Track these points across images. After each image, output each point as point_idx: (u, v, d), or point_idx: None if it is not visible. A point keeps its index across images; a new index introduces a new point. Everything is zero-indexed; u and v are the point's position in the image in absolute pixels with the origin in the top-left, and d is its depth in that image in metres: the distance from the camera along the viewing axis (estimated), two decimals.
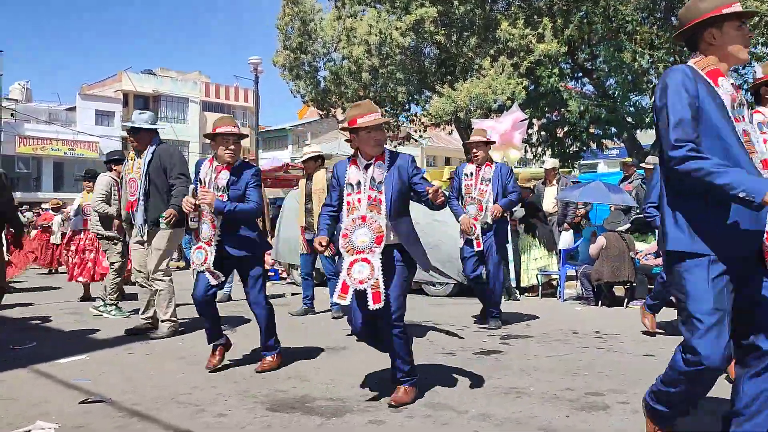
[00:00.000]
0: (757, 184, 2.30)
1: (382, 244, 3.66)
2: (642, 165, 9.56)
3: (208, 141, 4.75)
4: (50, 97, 63.07)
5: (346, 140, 4.01)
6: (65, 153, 37.71)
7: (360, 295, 3.67)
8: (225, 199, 4.47)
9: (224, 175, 4.53)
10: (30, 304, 8.13)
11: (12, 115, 37.38)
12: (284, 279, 11.28)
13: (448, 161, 46.07)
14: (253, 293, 4.62)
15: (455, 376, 4.42)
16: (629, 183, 9.74)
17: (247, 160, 4.76)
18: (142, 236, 5.87)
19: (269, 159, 25.10)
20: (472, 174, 6.33)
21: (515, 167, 13.46)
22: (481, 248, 6.16)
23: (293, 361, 4.90)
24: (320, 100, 19.41)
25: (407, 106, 19.03)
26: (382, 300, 3.60)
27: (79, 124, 38.58)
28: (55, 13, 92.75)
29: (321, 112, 20.57)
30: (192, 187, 4.64)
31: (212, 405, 3.76)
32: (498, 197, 6.25)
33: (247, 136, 4.94)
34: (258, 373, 4.51)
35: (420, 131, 20.32)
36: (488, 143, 6.46)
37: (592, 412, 3.60)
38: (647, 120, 16.24)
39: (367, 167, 3.81)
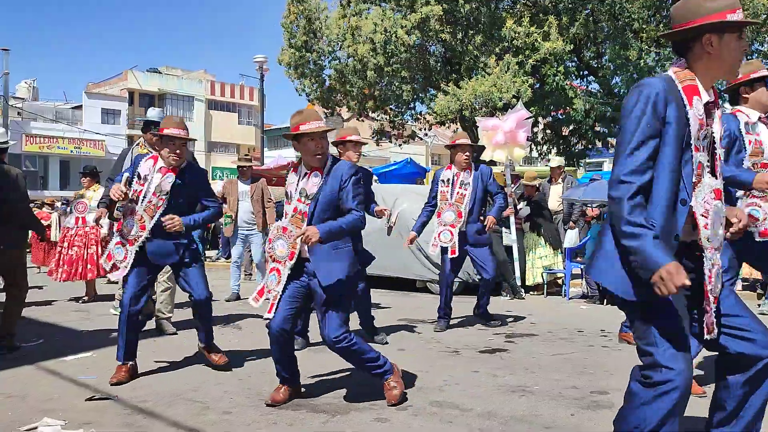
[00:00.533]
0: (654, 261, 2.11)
1: (294, 260, 3.64)
2: None
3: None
4: (56, 96, 63.37)
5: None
6: (72, 151, 37.81)
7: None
8: (165, 202, 4.31)
9: (170, 178, 4.35)
10: (50, 303, 8.16)
11: (18, 113, 37.52)
12: None
13: None
14: (195, 287, 4.42)
15: (460, 374, 4.42)
16: None
17: (192, 161, 4.63)
18: None
19: (275, 157, 25.12)
20: (449, 180, 6.14)
21: (520, 165, 13.48)
22: (456, 255, 6.03)
23: (299, 359, 4.91)
24: (325, 98, 19.42)
25: (412, 105, 19.03)
26: (273, 312, 3.62)
27: (86, 122, 38.68)
28: (61, 11, 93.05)
29: (326, 111, 20.58)
30: (126, 175, 4.44)
31: (218, 402, 3.77)
32: (477, 200, 6.10)
33: (195, 140, 4.84)
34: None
35: (425, 129, 20.32)
36: (474, 146, 6.36)
37: (597, 410, 3.59)
38: None
39: (305, 176, 3.76)
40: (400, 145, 21.04)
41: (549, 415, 3.50)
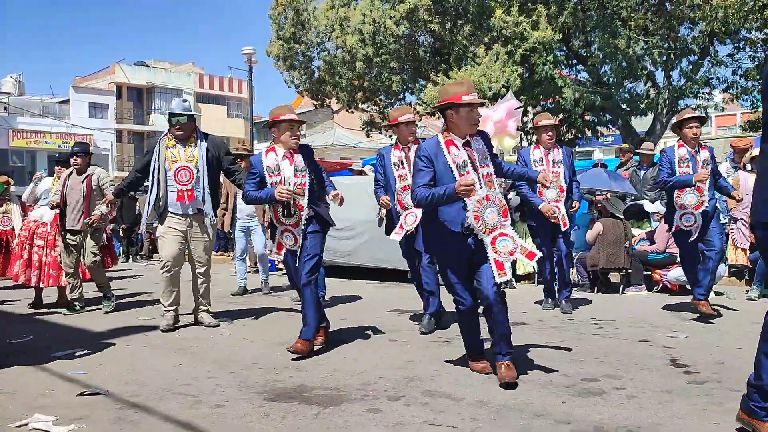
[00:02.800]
0: None
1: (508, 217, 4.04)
2: (638, 151, 9.58)
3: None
4: (43, 90, 62.80)
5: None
6: (59, 146, 37.48)
7: None
8: (307, 177, 4.82)
9: (299, 158, 4.82)
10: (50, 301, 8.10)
11: (5, 108, 37.19)
12: (281, 270, 11.28)
13: None
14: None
15: (451, 363, 4.43)
16: (625, 170, 9.75)
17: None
18: (208, 226, 5.90)
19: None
20: (542, 159, 6.34)
21: (510, 155, 13.48)
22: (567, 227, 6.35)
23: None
24: (315, 90, 19.36)
25: (402, 95, 19.01)
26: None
27: (73, 116, 38.39)
28: (46, 4, 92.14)
29: (315, 102, 20.52)
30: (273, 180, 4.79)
31: (210, 396, 3.77)
32: (570, 177, 6.43)
33: (305, 122, 5.23)
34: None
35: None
36: (558, 126, 6.58)
37: (588, 397, 3.62)
38: (642, 106, 16.28)
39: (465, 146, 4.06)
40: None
41: (540, 403, 3.52)
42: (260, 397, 3.73)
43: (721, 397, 3.58)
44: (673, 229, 5.94)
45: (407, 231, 5.26)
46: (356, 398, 3.66)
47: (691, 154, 5.82)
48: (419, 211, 5.47)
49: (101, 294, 7.00)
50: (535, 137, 6.71)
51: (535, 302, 7.04)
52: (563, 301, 6.53)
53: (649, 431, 3.08)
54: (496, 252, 3.81)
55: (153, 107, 40.68)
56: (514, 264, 8.80)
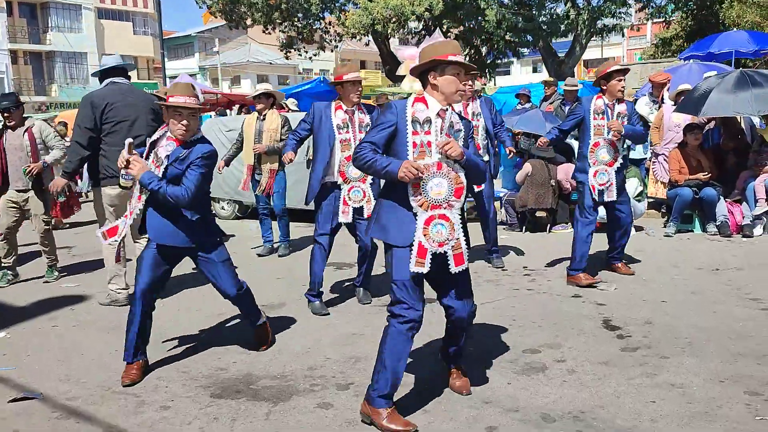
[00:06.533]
0: None
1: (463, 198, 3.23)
2: (563, 87, 9.63)
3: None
4: None
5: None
6: None
7: None
8: (161, 172, 3.78)
9: (170, 146, 3.81)
10: None
11: None
12: None
13: (363, 65, 45.15)
14: (223, 286, 4.07)
15: None
16: (550, 103, 9.83)
17: (201, 137, 3.90)
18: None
19: (180, 72, 23.72)
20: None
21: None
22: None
23: (229, 327, 4.82)
24: (228, 10, 18.36)
25: (321, 16, 18.33)
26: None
27: None
28: None
29: (230, 23, 19.50)
30: (129, 141, 3.82)
31: (153, 394, 3.65)
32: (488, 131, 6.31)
33: (203, 108, 4.15)
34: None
35: (335, 41, 19.70)
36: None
37: (531, 375, 3.72)
38: (562, 28, 16.37)
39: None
40: (310, 58, 20.38)
41: (487, 386, 3.59)
42: (206, 392, 3.65)
43: (653, 367, 3.77)
44: (589, 187, 5.56)
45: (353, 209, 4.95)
46: (305, 389, 3.63)
47: (608, 106, 5.53)
48: (368, 187, 4.92)
49: (47, 262, 6.52)
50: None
51: None
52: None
53: (592, 415, 3.22)
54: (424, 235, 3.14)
55: (50, 24, 37.54)
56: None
